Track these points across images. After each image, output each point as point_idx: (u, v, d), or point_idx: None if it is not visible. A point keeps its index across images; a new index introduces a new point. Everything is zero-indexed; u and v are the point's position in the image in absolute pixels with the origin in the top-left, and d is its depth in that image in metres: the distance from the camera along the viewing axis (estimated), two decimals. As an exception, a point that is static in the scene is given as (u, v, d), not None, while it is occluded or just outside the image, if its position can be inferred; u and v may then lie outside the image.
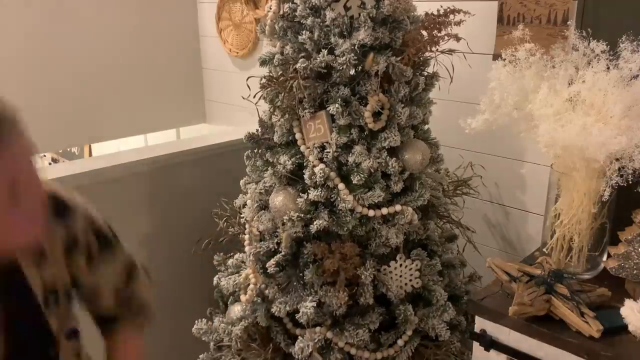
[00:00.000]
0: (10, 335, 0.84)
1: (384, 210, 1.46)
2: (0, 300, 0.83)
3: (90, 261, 0.95)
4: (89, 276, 0.97)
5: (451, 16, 1.46)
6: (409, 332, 1.52)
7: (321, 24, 1.42)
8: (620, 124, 1.21)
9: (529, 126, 1.34)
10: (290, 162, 1.48)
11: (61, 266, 0.90)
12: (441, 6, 1.49)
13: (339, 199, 1.43)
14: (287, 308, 1.52)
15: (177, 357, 2.18)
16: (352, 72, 1.45)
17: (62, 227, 0.88)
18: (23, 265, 0.84)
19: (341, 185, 1.44)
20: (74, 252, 0.91)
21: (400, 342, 1.52)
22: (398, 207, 1.47)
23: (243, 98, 1.59)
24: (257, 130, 1.62)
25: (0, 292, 0.81)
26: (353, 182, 1.42)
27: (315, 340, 1.49)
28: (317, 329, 1.52)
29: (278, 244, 1.57)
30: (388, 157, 1.44)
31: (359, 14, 1.39)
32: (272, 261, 1.53)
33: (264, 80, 1.47)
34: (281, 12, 1.49)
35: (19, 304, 0.86)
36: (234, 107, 2.77)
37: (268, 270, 1.54)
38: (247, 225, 1.66)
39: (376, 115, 1.45)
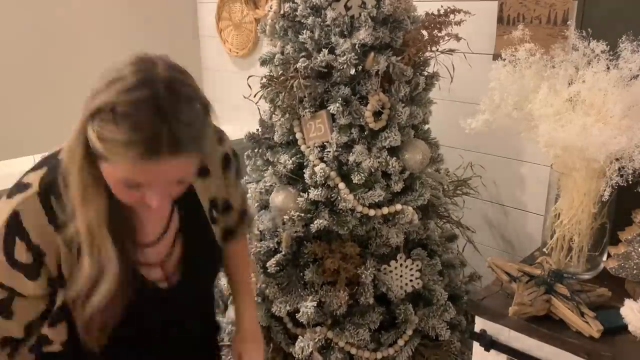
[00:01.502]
0: (185, 237, 1.03)
1: (385, 210, 1.46)
2: (179, 207, 1.02)
3: (238, 176, 1.16)
4: (234, 190, 1.16)
5: (451, 16, 1.47)
6: (409, 332, 1.52)
7: (322, 23, 1.42)
8: (620, 124, 1.21)
9: (529, 126, 1.34)
10: (290, 161, 1.48)
11: (220, 180, 1.10)
12: (441, 6, 1.49)
13: (339, 198, 1.44)
14: (288, 308, 1.52)
15: (176, 357, 2.17)
16: (353, 71, 1.46)
17: (220, 149, 1.10)
18: (193, 182, 1.02)
19: (341, 185, 1.44)
20: (229, 167, 1.12)
21: (400, 341, 1.53)
22: (398, 207, 1.47)
23: (244, 98, 1.59)
24: (258, 130, 1.62)
25: (178, 201, 0.97)
26: (353, 182, 1.43)
27: (316, 340, 1.49)
28: (318, 328, 1.52)
29: (278, 243, 1.57)
30: (388, 157, 1.44)
31: (360, 14, 1.39)
32: (273, 261, 1.53)
33: (264, 80, 1.47)
34: (282, 12, 1.49)
35: (190, 211, 1.04)
36: (234, 107, 2.77)
37: (268, 270, 1.54)
38: (247, 225, 1.66)
39: (376, 114, 1.45)
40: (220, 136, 1.11)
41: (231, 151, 1.13)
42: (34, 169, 0.95)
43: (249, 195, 1.63)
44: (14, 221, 0.89)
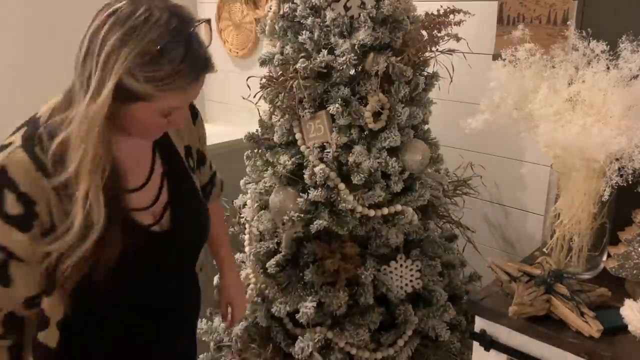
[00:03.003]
0: (169, 181, 1.09)
1: (384, 210, 1.46)
2: (159, 154, 1.09)
3: (202, 127, 1.24)
4: (204, 144, 1.25)
5: (451, 16, 1.46)
6: (409, 332, 1.52)
7: (321, 24, 1.42)
8: (620, 124, 1.21)
9: (529, 126, 1.34)
10: (290, 162, 1.48)
11: (192, 128, 1.18)
12: (441, 6, 1.49)
13: (339, 199, 1.43)
14: (287, 308, 1.52)
15: (177, 357, 2.17)
16: (352, 72, 1.45)
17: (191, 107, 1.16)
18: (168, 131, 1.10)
19: (341, 185, 1.44)
20: (196, 118, 1.20)
21: (400, 342, 1.52)
22: (398, 207, 1.47)
23: (243, 98, 1.59)
24: (257, 130, 1.62)
25: (158, 147, 1.08)
26: (353, 182, 1.43)
27: (316, 340, 1.49)
28: (317, 329, 1.52)
29: (278, 244, 1.57)
30: (388, 157, 1.44)
31: (359, 14, 1.39)
32: (272, 261, 1.53)
33: (264, 80, 1.47)
34: (281, 12, 1.49)
35: (169, 156, 1.11)
36: (234, 107, 2.77)
37: (268, 270, 1.54)
38: (247, 225, 1.66)
39: (376, 115, 1.45)
40: None
41: (194, 105, 1.20)
42: (13, 132, 0.97)
43: (248, 195, 1.63)
44: (1, 175, 0.90)
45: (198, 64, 0.90)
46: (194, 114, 1.20)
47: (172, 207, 1.09)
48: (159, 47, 0.84)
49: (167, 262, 1.09)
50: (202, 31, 0.92)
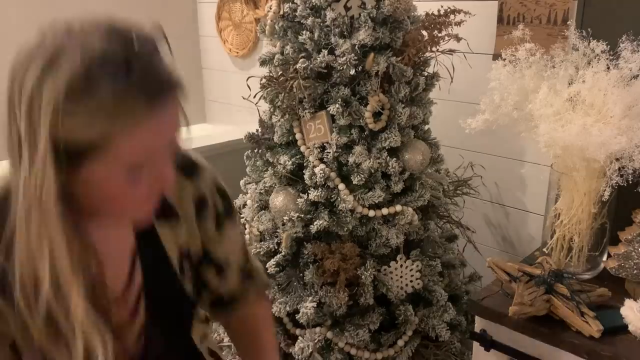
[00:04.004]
0: (149, 300, 0.81)
1: (384, 211, 1.46)
2: (141, 257, 0.81)
3: (218, 226, 0.88)
4: (218, 245, 0.90)
5: (451, 16, 1.46)
6: (409, 333, 1.52)
7: (321, 24, 1.42)
8: (620, 124, 1.20)
9: (529, 126, 1.34)
10: (290, 162, 1.48)
11: (193, 228, 0.85)
12: (441, 6, 1.49)
13: (339, 199, 1.43)
14: (287, 308, 1.52)
15: (177, 357, 2.17)
16: (353, 72, 1.45)
17: (191, 186, 0.84)
18: (157, 226, 0.81)
19: (341, 186, 1.44)
20: (203, 213, 0.85)
21: (400, 342, 1.52)
22: (398, 208, 1.47)
23: (243, 98, 1.59)
24: (257, 130, 1.62)
25: (138, 254, 0.79)
26: (353, 183, 1.43)
27: (316, 341, 1.49)
28: (317, 329, 1.52)
29: (278, 244, 1.57)
30: (388, 158, 1.44)
31: (359, 14, 1.39)
32: (272, 261, 1.53)
33: (264, 80, 1.47)
34: (281, 12, 1.49)
35: (155, 266, 0.82)
36: (234, 107, 2.77)
37: (268, 271, 1.54)
38: (247, 226, 1.66)
39: (376, 115, 1.45)
40: (195, 165, 0.85)
41: (211, 191, 0.87)
42: None
43: (248, 195, 1.63)
44: None
45: (150, 83, 0.64)
46: (200, 208, 0.86)
47: (146, 333, 0.83)
48: (90, 68, 0.61)
49: None
50: (154, 41, 0.73)
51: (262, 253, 1.57)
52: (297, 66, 1.40)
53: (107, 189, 0.67)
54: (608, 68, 1.26)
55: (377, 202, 1.44)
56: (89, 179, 0.65)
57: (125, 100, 0.62)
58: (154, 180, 0.69)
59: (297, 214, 1.44)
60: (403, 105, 1.45)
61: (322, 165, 1.44)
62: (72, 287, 0.65)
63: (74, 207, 0.67)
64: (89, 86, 0.60)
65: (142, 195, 0.70)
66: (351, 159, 1.43)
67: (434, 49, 1.49)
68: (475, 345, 1.35)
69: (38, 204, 0.63)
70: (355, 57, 1.39)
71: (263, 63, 1.53)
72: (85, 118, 0.61)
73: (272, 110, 1.52)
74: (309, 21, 1.43)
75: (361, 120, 1.43)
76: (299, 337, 1.53)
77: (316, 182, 1.43)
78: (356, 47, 1.39)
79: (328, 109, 1.42)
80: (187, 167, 0.84)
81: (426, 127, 1.61)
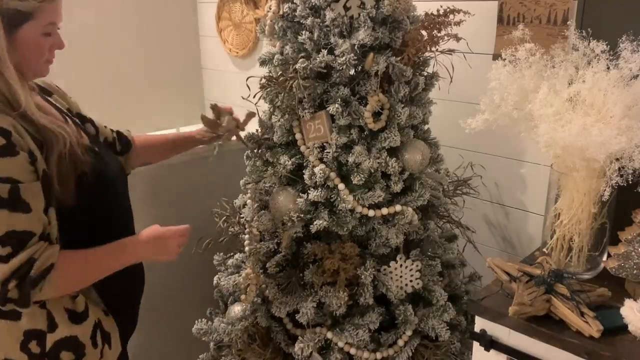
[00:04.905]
0: (78, 130, 1.37)
1: (384, 211, 1.46)
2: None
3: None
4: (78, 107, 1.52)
5: (451, 16, 1.46)
6: (409, 332, 1.52)
7: (321, 24, 1.42)
8: (620, 124, 1.20)
9: (528, 126, 1.34)
10: (290, 162, 1.48)
11: (63, 98, 1.46)
12: (441, 6, 1.49)
13: (339, 199, 1.43)
14: (287, 308, 1.52)
15: (177, 357, 2.18)
16: (352, 72, 1.45)
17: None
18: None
19: (341, 186, 1.44)
20: (67, 97, 1.50)
21: (400, 342, 1.52)
22: (398, 207, 1.47)
23: (243, 98, 1.59)
24: (257, 130, 1.62)
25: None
26: (353, 182, 1.43)
27: (315, 341, 1.49)
28: (317, 329, 1.52)
29: (278, 244, 1.57)
30: (388, 157, 1.44)
31: (359, 14, 1.39)
32: (272, 261, 1.53)
33: (263, 81, 1.47)
34: (281, 12, 1.49)
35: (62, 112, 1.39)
36: (234, 107, 2.76)
37: (268, 271, 1.54)
38: (247, 225, 1.66)
39: (376, 115, 1.45)
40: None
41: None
42: None
43: (248, 195, 1.63)
44: None
45: None
46: (56, 88, 1.44)
47: (90, 152, 1.31)
48: None
49: (114, 178, 1.37)
50: None
51: (262, 253, 1.57)
52: (297, 66, 1.40)
53: (32, 45, 1.16)
54: (608, 68, 1.25)
55: (376, 202, 1.44)
56: (24, 36, 1.14)
57: None
58: (55, 43, 1.22)
59: (297, 214, 1.44)
60: (403, 105, 1.45)
61: (322, 165, 1.44)
62: (29, 102, 1.17)
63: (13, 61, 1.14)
64: None
65: (48, 50, 1.21)
66: (351, 159, 1.43)
67: (433, 48, 1.48)
68: (475, 345, 1.35)
69: None
70: (355, 57, 1.39)
71: (263, 63, 1.53)
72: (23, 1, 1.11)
73: (271, 110, 1.52)
74: (309, 21, 1.43)
75: (361, 120, 1.43)
76: (299, 337, 1.53)
77: (316, 182, 1.43)
78: (356, 47, 1.39)
79: (328, 108, 1.42)
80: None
81: (426, 127, 1.61)
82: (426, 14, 1.50)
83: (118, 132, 1.61)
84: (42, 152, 1.16)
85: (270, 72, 1.51)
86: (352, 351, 1.51)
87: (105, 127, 1.57)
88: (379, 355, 1.52)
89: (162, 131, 2.93)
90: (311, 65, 1.40)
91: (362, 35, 1.37)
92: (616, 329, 1.19)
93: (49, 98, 1.37)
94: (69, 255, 1.21)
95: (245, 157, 1.64)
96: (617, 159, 1.21)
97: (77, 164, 1.22)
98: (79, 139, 1.27)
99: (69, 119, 1.36)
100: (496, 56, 1.71)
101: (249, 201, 1.63)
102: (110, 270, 1.30)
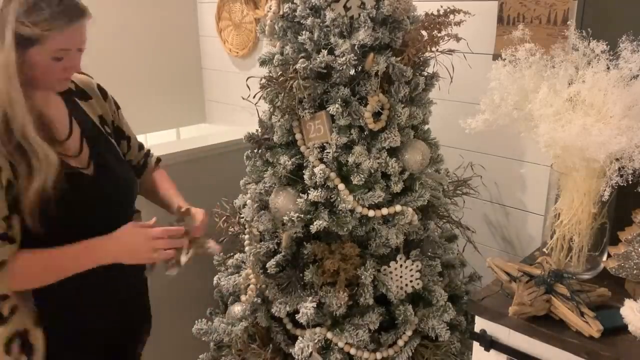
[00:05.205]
0: (87, 138, 1.34)
1: (384, 211, 1.46)
2: (75, 118, 1.35)
3: (117, 108, 1.52)
4: (120, 121, 1.53)
5: (451, 16, 1.46)
6: (409, 333, 1.52)
7: (321, 24, 1.42)
8: (620, 124, 1.20)
9: (529, 126, 1.34)
10: (290, 162, 1.48)
11: (103, 105, 1.45)
12: (441, 6, 1.49)
13: (339, 199, 1.43)
14: (287, 308, 1.52)
15: (177, 357, 2.18)
16: (352, 72, 1.45)
17: (92, 80, 1.47)
18: (79, 102, 1.39)
19: (341, 186, 1.44)
20: (107, 97, 1.48)
21: (400, 342, 1.52)
22: (398, 208, 1.47)
23: (243, 98, 1.59)
24: (257, 130, 1.62)
25: (74, 114, 1.34)
26: (353, 183, 1.43)
27: (315, 341, 1.49)
28: (317, 329, 1.52)
29: (278, 244, 1.57)
30: (388, 158, 1.44)
31: (359, 14, 1.39)
32: (272, 261, 1.53)
33: (263, 81, 1.47)
34: (281, 12, 1.49)
35: (84, 122, 1.37)
36: (234, 107, 2.77)
37: (268, 271, 1.54)
38: (247, 226, 1.66)
39: (376, 115, 1.45)
40: (85, 74, 1.44)
41: (105, 89, 1.47)
42: None
43: (248, 195, 1.63)
44: None
45: (72, 9, 1.17)
46: (104, 94, 1.45)
47: (95, 159, 1.32)
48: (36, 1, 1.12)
49: (98, 204, 1.31)
50: None
51: (262, 253, 1.57)
52: (297, 66, 1.40)
53: (41, 66, 1.18)
54: (608, 68, 1.25)
55: (377, 202, 1.44)
56: (31, 59, 1.16)
57: (56, 17, 1.14)
58: (68, 66, 1.22)
59: (297, 214, 1.44)
60: (403, 105, 1.45)
61: (322, 165, 1.44)
62: (27, 123, 1.15)
63: (23, 78, 1.16)
64: (36, 6, 1.13)
65: (60, 72, 1.22)
66: (351, 159, 1.43)
67: (433, 49, 1.49)
68: (475, 345, 1.35)
69: (6, 71, 1.13)
70: (355, 57, 1.39)
71: (263, 63, 1.53)
72: (34, 24, 1.13)
73: (272, 110, 1.52)
74: (309, 21, 1.43)
75: (361, 120, 1.43)
76: (299, 337, 1.53)
77: (316, 182, 1.43)
78: (356, 47, 1.39)
79: (328, 109, 1.42)
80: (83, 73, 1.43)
81: (426, 127, 1.61)
82: (426, 14, 1.50)
83: (145, 159, 1.60)
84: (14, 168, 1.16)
85: (270, 72, 1.51)
86: (352, 351, 1.51)
87: (142, 150, 1.58)
88: (379, 355, 1.52)
89: (162, 131, 2.95)
90: (311, 66, 1.40)
91: (362, 36, 1.37)
92: (616, 329, 1.19)
93: (79, 102, 1.37)
94: (28, 253, 1.21)
95: (245, 157, 1.65)
96: (617, 159, 1.21)
97: (41, 197, 1.18)
98: (60, 167, 1.22)
99: (78, 130, 1.33)
100: (496, 56, 1.71)
101: (249, 201, 1.63)
102: (79, 268, 1.26)
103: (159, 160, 1.65)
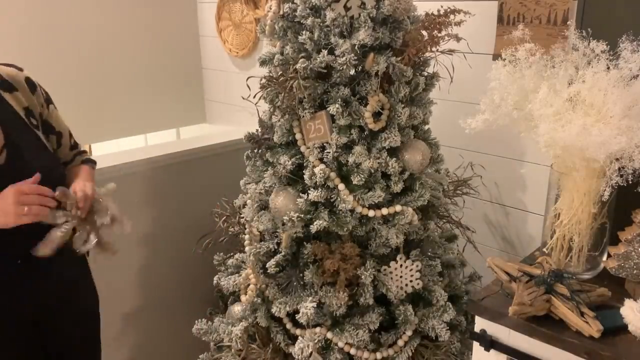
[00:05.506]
0: (5, 129, 1.34)
1: (384, 211, 1.46)
2: None
3: (47, 102, 1.49)
4: (51, 117, 1.49)
5: (451, 16, 1.46)
6: (409, 333, 1.52)
7: (321, 24, 1.42)
8: (620, 124, 1.20)
9: (529, 126, 1.34)
10: (290, 162, 1.48)
11: (29, 97, 1.43)
12: (441, 6, 1.49)
13: (339, 199, 1.44)
14: (287, 308, 1.52)
15: (177, 357, 2.18)
16: (352, 72, 1.45)
17: (22, 75, 1.45)
18: (2, 94, 1.37)
19: (341, 186, 1.44)
20: (35, 91, 1.45)
21: (400, 342, 1.53)
22: (398, 208, 1.47)
23: (243, 98, 1.59)
24: (257, 130, 1.62)
25: None
26: (353, 183, 1.43)
27: (315, 341, 1.49)
28: (317, 329, 1.52)
29: (278, 244, 1.57)
30: (388, 158, 1.44)
31: (359, 14, 1.39)
32: (272, 261, 1.53)
33: (264, 81, 1.47)
34: (281, 12, 1.49)
35: (6, 115, 1.36)
36: (234, 107, 2.77)
37: (268, 271, 1.54)
38: (247, 226, 1.66)
39: (376, 115, 1.45)
40: (15, 66, 1.44)
41: (36, 82, 1.45)
42: None
43: (248, 195, 1.63)
44: None
45: None
46: (32, 87, 1.44)
47: (8, 148, 1.33)
48: None
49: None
50: None
51: (262, 253, 1.57)
52: (297, 66, 1.40)
53: None
54: (608, 68, 1.25)
55: (377, 202, 1.44)
56: None
57: None
58: None
59: (297, 214, 1.44)
60: (403, 105, 1.45)
61: (322, 165, 1.44)
62: None
63: None
64: None
65: None
66: (351, 159, 1.43)
67: (433, 49, 1.49)
68: (475, 345, 1.35)
69: None
70: (355, 57, 1.39)
71: (263, 63, 1.53)
72: None
73: (272, 110, 1.52)
74: (309, 21, 1.43)
75: (361, 120, 1.43)
76: (299, 337, 1.53)
77: (316, 182, 1.43)
78: (356, 47, 1.39)
79: (328, 109, 1.42)
80: (9, 65, 1.43)
81: (426, 127, 1.61)
82: (426, 14, 1.50)
83: (73, 158, 1.58)
84: None
85: (270, 72, 1.51)
86: (352, 351, 1.51)
87: (73, 150, 1.56)
88: (379, 355, 1.52)
89: (162, 131, 2.95)
90: (311, 66, 1.40)
91: (363, 36, 1.37)
92: (616, 329, 1.19)
93: (3, 93, 1.37)
94: None
95: (245, 157, 1.65)
96: (617, 159, 1.21)
97: None
98: None
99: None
100: (496, 56, 1.71)
101: (249, 201, 1.64)
102: None
103: (88, 160, 1.61)
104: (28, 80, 1.44)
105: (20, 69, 1.44)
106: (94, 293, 1.66)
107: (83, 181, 1.45)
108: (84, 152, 1.61)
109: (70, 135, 1.57)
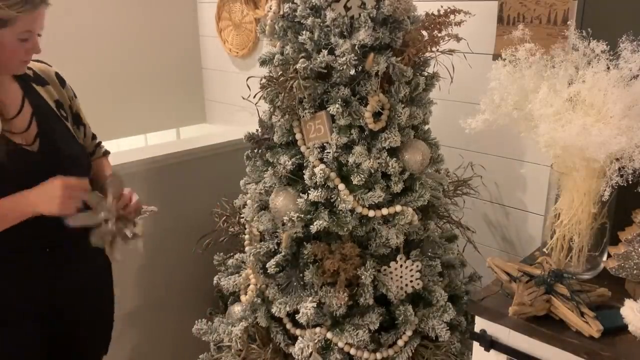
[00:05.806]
0: (38, 118, 1.43)
1: (384, 211, 1.46)
2: (29, 100, 1.43)
3: (74, 95, 1.59)
4: (77, 106, 1.59)
5: (451, 16, 1.46)
6: (409, 333, 1.52)
7: (321, 24, 1.42)
8: (620, 124, 1.20)
9: (529, 126, 1.34)
10: (290, 162, 1.48)
11: (59, 91, 1.53)
12: (441, 6, 1.49)
13: (339, 199, 1.44)
14: (287, 308, 1.52)
15: (177, 357, 2.18)
16: (353, 72, 1.45)
17: (50, 68, 1.55)
18: (35, 87, 1.47)
19: (341, 186, 1.44)
20: (64, 85, 1.56)
21: (400, 342, 1.53)
22: (398, 208, 1.47)
23: (243, 98, 1.59)
24: (257, 130, 1.62)
25: (28, 96, 1.44)
26: (353, 183, 1.43)
27: (315, 341, 1.49)
28: (317, 329, 1.52)
29: (278, 244, 1.57)
30: (388, 158, 1.44)
31: (359, 14, 1.39)
32: (272, 261, 1.53)
33: (264, 81, 1.47)
34: (281, 12, 1.49)
35: (39, 104, 1.46)
36: (234, 107, 2.77)
37: (268, 271, 1.54)
38: (247, 226, 1.66)
39: (376, 115, 1.45)
40: (43, 62, 1.54)
41: (64, 78, 1.56)
42: None
43: (248, 195, 1.64)
44: None
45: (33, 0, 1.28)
46: (62, 82, 1.54)
47: (41, 137, 1.40)
48: None
49: (39, 178, 1.33)
50: None
51: (262, 253, 1.57)
52: (297, 66, 1.40)
53: (7, 47, 1.29)
54: (608, 68, 1.25)
55: (377, 202, 1.44)
56: (1, 39, 1.27)
57: (22, 4, 1.25)
58: (30, 47, 1.34)
59: (297, 214, 1.44)
60: (403, 105, 1.45)
61: (322, 165, 1.44)
62: None
63: None
64: None
65: (24, 54, 1.34)
66: (351, 159, 1.43)
67: (434, 49, 1.49)
68: (475, 345, 1.35)
69: None
70: (355, 57, 1.39)
71: (263, 63, 1.53)
72: (7, 6, 1.23)
73: (272, 110, 1.52)
74: (309, 21, 1.43)
75: (361, 120, 1.43)
76: (299, 337, 1.53)
77: (316, 182, 1.43)
78: (356, 47, 1.39)
79: (328, 109, 1.42)
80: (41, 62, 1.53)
81: (426, 127, 1.61)
82: (427, 14, 1.50)
83: (95, 149, 1.66)
84: None
85: (270, 72, 1.51)
86: (352, 351, 1.51)
87: (95, 140, 1.65)
88: (379, 355, 1.52)
89: (162, 131, 2.95)
90: (311, 66, 1.40)
91: (363, 36, 1.37)
92: (616, 329, 1.19)
93: (36, 87, 1.46)
94: None
95: (245, 157, 1.65)
96: (617, 159, 1.21)
97: None
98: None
99: (29, 110, 1.41)
100: (496, 56, 1.71)
101: (249, 201, 1.64)
102: (5, 222, 1.32)
103: (107, 152, 1.72)
104: (57, 75, 1.53)
105: (49, 65, 1.54)
106: (112, 299, 1.69)
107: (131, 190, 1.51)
108: (100, 142, 1.70)
109: (89, 126, 1.66)
